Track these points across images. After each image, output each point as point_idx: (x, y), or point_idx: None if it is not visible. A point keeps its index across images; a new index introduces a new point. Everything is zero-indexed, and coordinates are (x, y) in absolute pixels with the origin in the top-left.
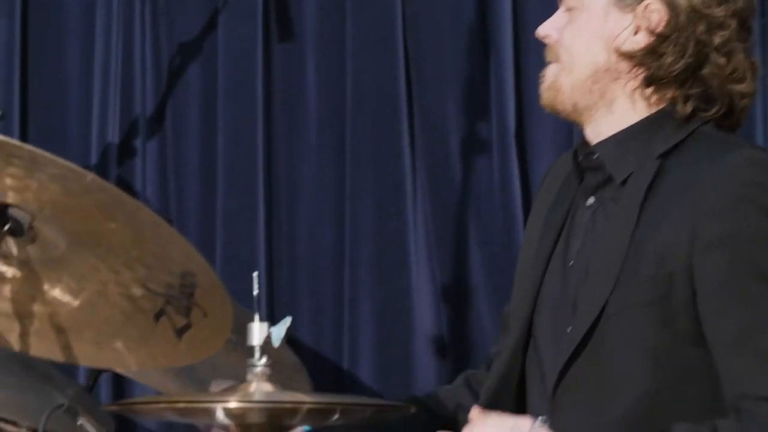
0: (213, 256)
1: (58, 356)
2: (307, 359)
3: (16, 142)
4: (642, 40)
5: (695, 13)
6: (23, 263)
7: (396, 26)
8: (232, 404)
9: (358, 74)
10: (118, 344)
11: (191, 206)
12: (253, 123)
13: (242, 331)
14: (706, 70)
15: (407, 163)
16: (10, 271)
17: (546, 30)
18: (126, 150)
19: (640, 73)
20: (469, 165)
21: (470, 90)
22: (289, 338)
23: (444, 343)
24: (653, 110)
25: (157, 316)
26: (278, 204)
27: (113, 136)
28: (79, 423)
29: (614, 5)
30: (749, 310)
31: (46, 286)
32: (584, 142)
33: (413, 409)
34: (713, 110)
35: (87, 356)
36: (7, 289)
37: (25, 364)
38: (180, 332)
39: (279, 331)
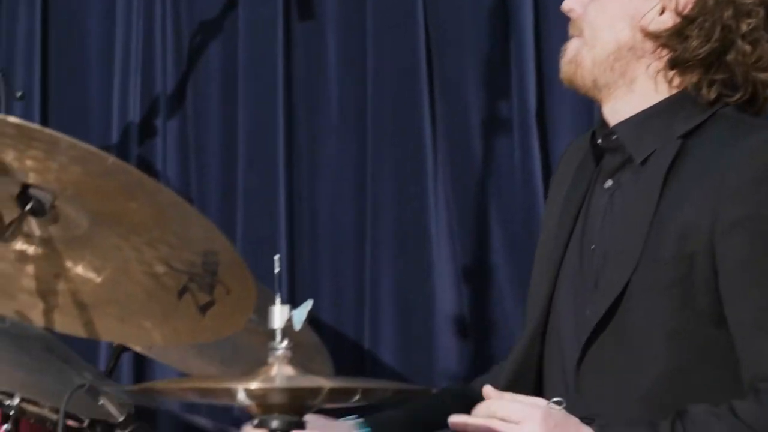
0: (234, 234)
1: (81, 332)
2: (328, 339)
3: (36, 126)
4: (668, 21)
5: None
6: (45, 242)
7: (417, 5)
8: (254, 386)
9: (378, 53)
10: (142, 320)
11: (212, 185)
12: (274, 102)
13: (263, 311)
14: (730, 57)
15: (428, 142)
16: (32, 250)
17: (570, 4)
18: (147, 129)
19: (664, 55)
20: (490, 144)
21: (491, 69)
22: (310, 318)
23: (465, 323)
24: (674, 92)
25: (181, 292)
26: (299, 183)
27: (134, 115)
28: (100, 403)
29: None
30: None
31: (68, 264)
32: (603, 124)
33: (434, 391)
34: (737, 96)
35: (110, 332)
36: (30, 268)
37: (45, 347)
38: (203, 309)
39: (300, 314)
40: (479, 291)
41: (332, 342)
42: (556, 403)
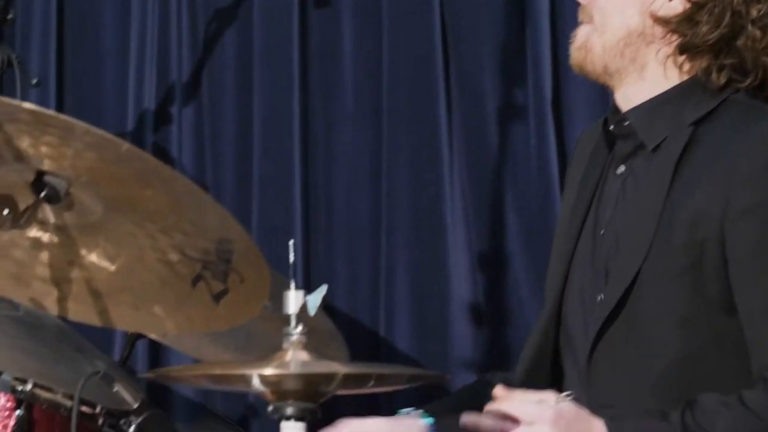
0: (249, 222)
1: (95, 321)
2: (343, 326)
3: (51, 112)
4: (678, 6)
5: None
6: (60, 229)
7: None
8: (268, 372)
9: (394, 40)
10: (156, 308)
11: (227, 173)
12: (290, 89)
13: (278, 298)
14: (740, 42)
15: (443, 130)
16: (46, 237)
17: None
18: (162, 116)
19: (674, 40)
20: (506, 132)
21: (506, 57)
22: (325, 305)
23: (480, 311)
24: (685, 78)
25: (195, 281)
26: (315, 170)
27: (149, 102)
28: (114, 390)
29: None
30: None
31: (83, 252)
32: (615, 110)
33: (448, 377)
34: (747, 82)
35: (124, 320)
36: (44, 255)
37: (58, 336)
38: (217, 297)
39: (315, 300)
40: (495, 279)
41: (347, 330)
42: (566, 396)
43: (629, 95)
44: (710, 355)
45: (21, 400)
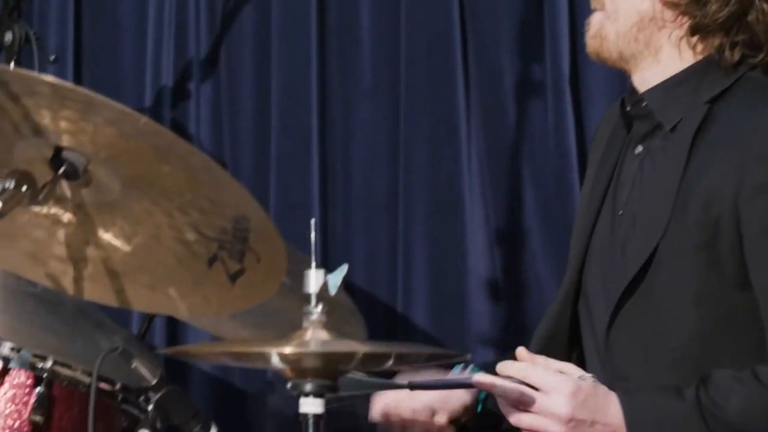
0: (267, 199)
1: (111, 301)
2: (361, 302)
3: (70, 85)
4: None
5: None
6: (78, 207)
7: None
8: (288, 350)
9: (412, 17)
10: (172, 289)
11: (245, 149)
12: (307, 65)
13: (296, 275)
14: (751, 17)
15: (461, 106)
16: (66, 216)
17: None
18: (180, 93)
19: (685, 22)
20: (524, 108)
21: (524, 33)
22: (345, 282)
23: (498, 286)
24: (699, 58)
25: (211, 261)
26: (332, 147)
27: (167, 79)
28: (133, 366)
29: None
30: None
31: (100, 230)
32: (632, 91)
33: (468, 356)
34: (760, 57)
35: (140, 301)
36: (61, 233)
37: (76, 312)
38: (233, 277)
39: (336, 279)
40: (512, 255)
41: (365, 306)
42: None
43: (646, 78)
44: (725, 331)
45: (41, 378)
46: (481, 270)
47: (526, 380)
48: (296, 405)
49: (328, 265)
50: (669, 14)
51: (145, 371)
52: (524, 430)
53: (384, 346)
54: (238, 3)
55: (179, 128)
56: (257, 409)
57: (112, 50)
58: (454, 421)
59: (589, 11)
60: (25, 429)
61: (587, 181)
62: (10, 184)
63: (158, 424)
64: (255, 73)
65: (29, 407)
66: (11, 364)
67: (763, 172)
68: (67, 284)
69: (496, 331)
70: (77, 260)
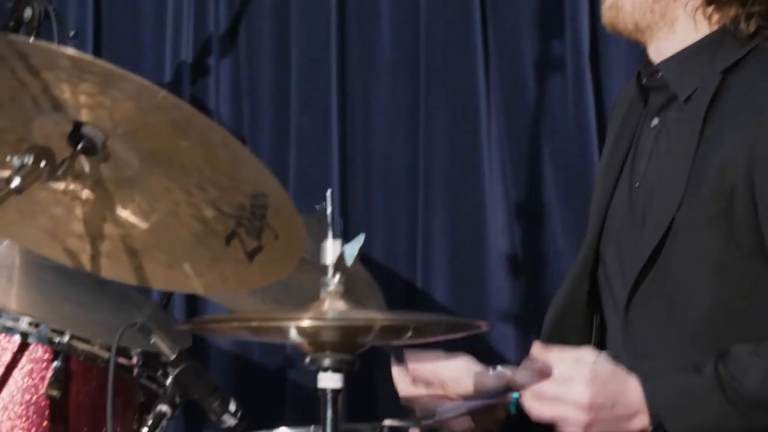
0: (286, 173)
1: (129, 278)
2: (380, 276)
3: (89, 57)
4: None
5: None
6: (96, 183)
7: None
8: (305, 322)
9: None
10: (189, 267)
11: (264, 125)
12: (327, 40)
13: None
14: None
15: (481, 81)
16: (84, 193)
17: None
18: (199, 68)
19: None
20: (543, 84)
21: (544, 9)
22: (363, 258)
23: (517, 262)
24: (715, 28)
25: (229, 238)
26: (352, 122)
27: (186, 54)
28: (152, 341)
29: None
30: None
31: (118, 207)
32: (647, 63)
33: (485, 327)
34: None
35: (158, 279)
36: (79, 210)
37: (99, 283)
38: (251, 255)
39: (352, 249)
40: (531, 230)
41: (385, 282)
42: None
43: (661, 49)
44: (744, 302)
45: (58, 352)
46: (501, 245)
47: (544, 373)
48: (315, 380)
49: (348, 238)
50: None
51: (164, 346)
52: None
53: (403, 317)
54: None
55: (198, 104)
56: (276, 385)
57: (131, 26)
58: (483, 426)
59: None
60: (42, 403)
61: (605, 155)
62: (29, 160)
63: (177, 399)
64: (274, 49)
65: (46, 382)
66: (29, 339)
67: None
68: (85, 261)
69: (516, 307)
70: (95, 237)
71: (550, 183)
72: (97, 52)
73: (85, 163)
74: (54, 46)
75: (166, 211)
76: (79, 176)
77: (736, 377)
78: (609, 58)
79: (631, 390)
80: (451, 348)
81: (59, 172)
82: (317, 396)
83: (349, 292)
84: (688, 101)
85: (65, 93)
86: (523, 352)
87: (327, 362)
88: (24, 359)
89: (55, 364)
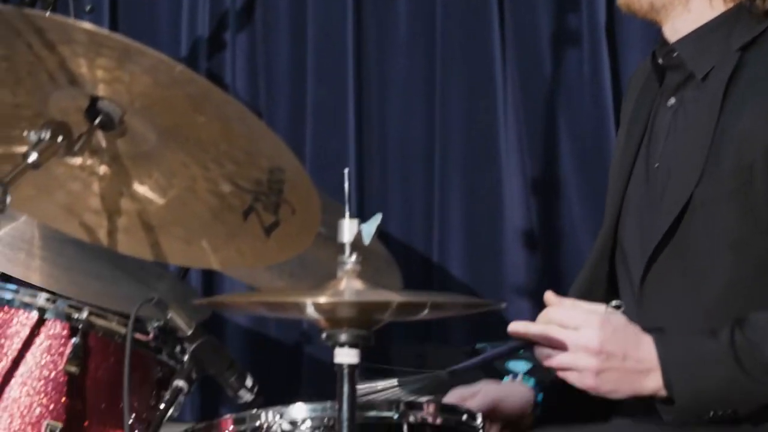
0: (303, 149)
1: (146, 254)
2: (397, 252)
3: (106, 32)
4: None
5: None
6: (113, 158)
7: None
8: (323, 300)
9: None
10: (206, 242)
11: (281, 100)
12: (344, 16)
13: (332, 226)
14: None
15: (497, 56)
16: (101, 168)
17: None
18: (216, 43)
19: None
20: (560, 58)
21: None
22: (379, 232)
23: (534, 236)
24: (730, 6)
25: (246, 213)
26: (368, 98)
27: (203, 29)
28: (168, 316)
29: None
30: None
31: (135, 183)
32: (663, 42)
33: (503, 305)
34: None
35: (175, 254)
36: (96, 186)
37: (117, 255)
38: (268, 230)
39: (370, 228)
40: (548, 204)
41: (401, 257)
42: (616, 307)
43: (677, 27)
44: (762, 279)
45: (76, 328)
46: (517, 219)
47: (554, 321)
48: (331, 355)
49: (364, 216)
50: None
51: (180, 321)
52: (560, 371)
53: (419, 296)
54: None
55: (215, 79)
56: (292, 360)
57: (147, 1)
58: (511, 423)
59: None
60: (61, 379)
61: (620, 136)
62: (46, 135)
63: (194, 375)
64: (291, 24)
65: (65, 358)
66: (47, 315)
67: None
68: (102, 237)
69: (532, 281)
70: (112, 213)
71: (566, 157)
72: (114, 26)
73: (101, 138)
74: (70, 21)
75: (183, 187)
76: (96, 151)
77: (754, 341)
78: (625, 32)
79: (645, 345)
80: (468, 320)
81: (76, 148)
82: (333, 371)
83: (366, 267)
84: (706, 79)
85: (82, 67)
86: None
87: (343, 338)
88: (42, 335)
89: (74, 340)
